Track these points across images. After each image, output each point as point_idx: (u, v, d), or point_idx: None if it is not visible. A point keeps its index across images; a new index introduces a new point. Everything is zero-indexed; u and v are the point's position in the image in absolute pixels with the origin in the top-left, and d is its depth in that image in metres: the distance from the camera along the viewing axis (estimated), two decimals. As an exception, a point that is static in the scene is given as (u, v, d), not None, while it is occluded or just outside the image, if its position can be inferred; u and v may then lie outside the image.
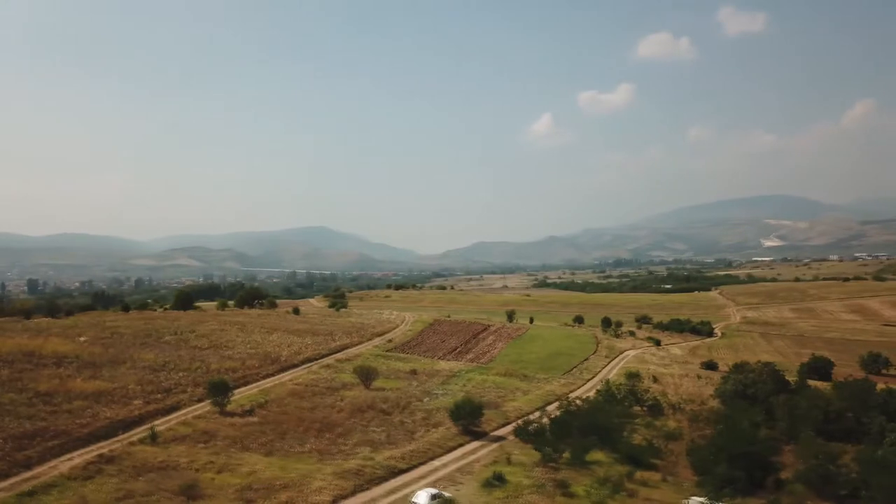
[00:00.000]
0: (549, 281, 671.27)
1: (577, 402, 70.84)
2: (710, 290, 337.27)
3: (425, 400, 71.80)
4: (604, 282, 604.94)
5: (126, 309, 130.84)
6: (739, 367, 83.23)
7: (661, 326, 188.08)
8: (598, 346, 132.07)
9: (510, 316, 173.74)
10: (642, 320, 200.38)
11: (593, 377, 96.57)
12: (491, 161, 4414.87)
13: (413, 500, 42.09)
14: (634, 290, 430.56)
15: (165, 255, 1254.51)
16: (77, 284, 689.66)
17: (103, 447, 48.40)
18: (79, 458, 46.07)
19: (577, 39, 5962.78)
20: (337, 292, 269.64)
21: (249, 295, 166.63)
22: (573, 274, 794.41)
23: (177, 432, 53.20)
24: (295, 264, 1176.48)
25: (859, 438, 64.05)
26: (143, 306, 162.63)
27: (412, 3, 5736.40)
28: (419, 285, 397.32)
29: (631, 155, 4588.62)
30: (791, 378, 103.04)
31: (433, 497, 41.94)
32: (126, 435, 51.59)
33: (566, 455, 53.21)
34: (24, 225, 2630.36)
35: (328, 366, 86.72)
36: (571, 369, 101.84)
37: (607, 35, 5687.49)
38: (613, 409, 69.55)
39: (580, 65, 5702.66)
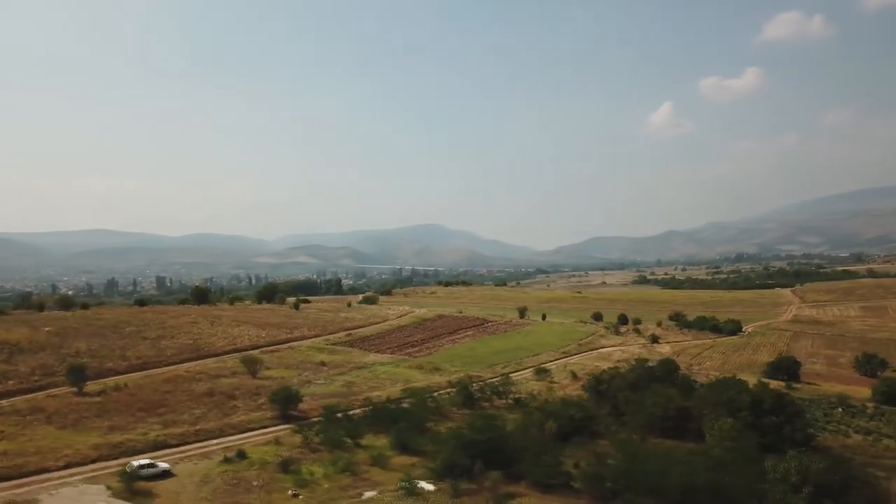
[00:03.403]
0: (649, 277, 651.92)
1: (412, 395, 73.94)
2: (794, 286, 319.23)
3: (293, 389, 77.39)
4: (707, 278, 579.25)
5: (141, 303, 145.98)
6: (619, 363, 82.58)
7: (686, 324, 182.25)
8: (573, 343, 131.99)
9: (522, 312, 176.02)
10: (674, 318, 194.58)
11: (515, 371, 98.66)
12: (608, 154, 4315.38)
13: (126, 468, 48.35)
14: (733, 286, 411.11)
15: (286, 253, 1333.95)
16: (201, 282, 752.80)
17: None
18: None
19: (696, 25, 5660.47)
20: (383, 289, 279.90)
21: (268, 291, 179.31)
22: (684, 270, 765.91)
23: (14, 407, 62.29)
24: (407, 261, 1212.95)
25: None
26: (184, 301, 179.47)
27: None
28: (472, 282, 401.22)
29: (759, 143, 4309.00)
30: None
31: (142, 466, 48.04)
32: (-33, 409, 61.33)
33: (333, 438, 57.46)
34: (162, 226, 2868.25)
35: (247, 356, 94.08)
36: (497, 365, 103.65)
37: (730, 18, 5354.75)
38: (454, 400, 72.58)
39: (701, 51, 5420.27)
